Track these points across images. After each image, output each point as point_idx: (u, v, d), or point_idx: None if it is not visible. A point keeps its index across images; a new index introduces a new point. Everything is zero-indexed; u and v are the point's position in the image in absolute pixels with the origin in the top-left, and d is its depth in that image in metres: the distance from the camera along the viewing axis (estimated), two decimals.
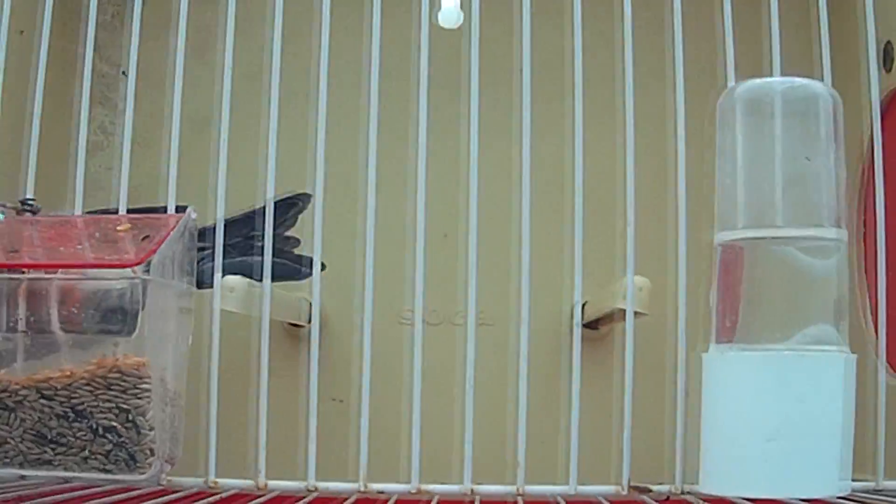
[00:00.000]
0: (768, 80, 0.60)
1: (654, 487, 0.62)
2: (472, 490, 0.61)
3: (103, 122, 0.83)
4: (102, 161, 0.82)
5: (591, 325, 0.80)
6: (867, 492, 0.63)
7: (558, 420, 0.71)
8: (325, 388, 0.80)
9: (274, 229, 0.62)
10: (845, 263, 0.58)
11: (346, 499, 0.66)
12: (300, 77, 0.72)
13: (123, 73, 0.83)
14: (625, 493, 0.61)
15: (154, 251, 0.59)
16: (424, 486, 0.62)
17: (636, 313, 0.64)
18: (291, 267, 0.71)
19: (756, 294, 0.57)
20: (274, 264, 0.62)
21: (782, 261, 0.57)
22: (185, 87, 0.78)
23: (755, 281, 0.57)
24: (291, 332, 0.82)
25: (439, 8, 0.83)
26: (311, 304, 0.83)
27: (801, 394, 0.55)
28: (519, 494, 0.61)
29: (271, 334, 0.82)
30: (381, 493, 0.62)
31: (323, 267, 0.64)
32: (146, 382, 0.59)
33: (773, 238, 0.57)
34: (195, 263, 0.63)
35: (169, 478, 0.62)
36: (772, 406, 0.55)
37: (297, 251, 0.73)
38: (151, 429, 0.59)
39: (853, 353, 0.59)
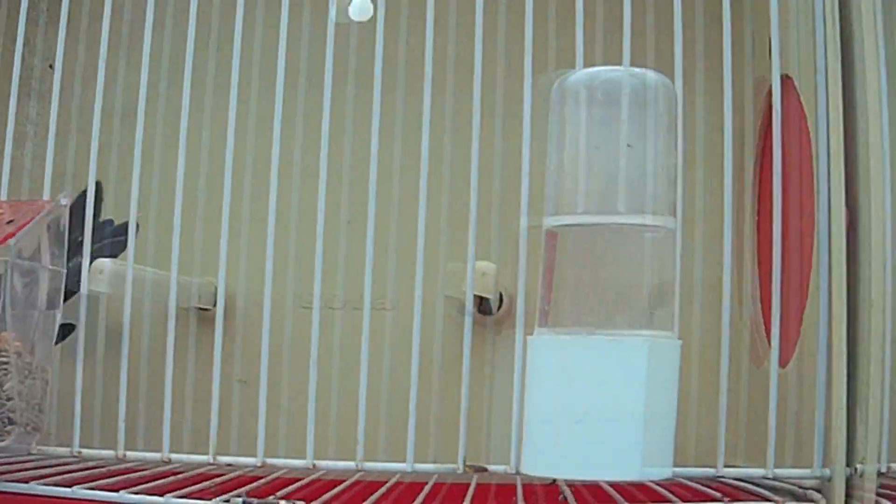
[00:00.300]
0: (601, 68, 0.61)
1: (490, 467, 0.63)
2: (314, 465, 0.64)
3: (30, 113, 0.87)
4: (30, 150, 0.86)
5: (485, 311, 0.81)
6: (707, 478, 0.64)
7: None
8: (233, 369, 0.84)
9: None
10: (670, 250, 0.59)
11: (212, 476, 0.69)
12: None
13: (50, 66, 0.87)
14: (460, 471, 0.63)
15: (13, 234, 0.63)
16: (270, 461, 0.64)
17: (483, 298, 0.66)
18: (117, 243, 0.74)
19: (569, 279, 0.59)
20: (102, 247, 0.65)
21: (594, 246, 0.58)
22: (106, 80, 0.82)
23: (568, 266, 0.59)
24: (201, 316, 0.85)
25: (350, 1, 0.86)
26: (216, 287, 0.87)
27: (605, 378, 0.56)
28: (359, 470, 0.64)
29: (179, 317, 0.86)
30: (230, 465, 0.65)
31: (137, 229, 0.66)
32: (3, 356, 0.62)
33: (591, 224, 0.58)
34: (66, 248, 0.67)
35: (39, 447, 0.66)
36: (579, 389, 0.57)
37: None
38: (10, 399, 0.63)
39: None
